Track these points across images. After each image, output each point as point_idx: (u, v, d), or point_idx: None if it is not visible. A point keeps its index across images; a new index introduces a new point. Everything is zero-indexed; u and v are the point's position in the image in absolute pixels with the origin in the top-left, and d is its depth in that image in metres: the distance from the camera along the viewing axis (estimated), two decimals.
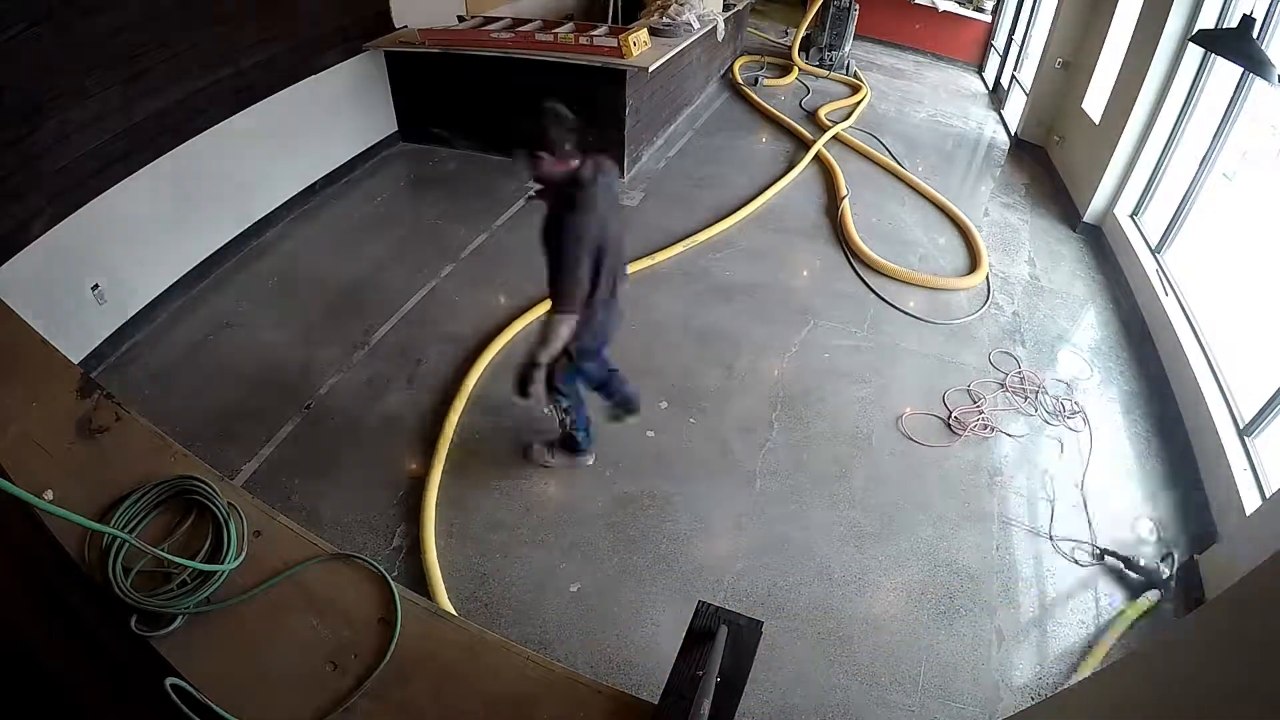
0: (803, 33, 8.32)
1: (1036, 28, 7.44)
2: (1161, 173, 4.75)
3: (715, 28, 6.22)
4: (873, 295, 4.36)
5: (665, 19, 5.71)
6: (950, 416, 3.49)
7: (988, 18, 9.30)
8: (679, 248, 4.61)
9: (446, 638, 1.37)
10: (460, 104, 5.39)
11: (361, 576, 1.45)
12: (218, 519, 1.43)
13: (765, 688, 2.38)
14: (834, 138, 6.42)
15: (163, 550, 1.33)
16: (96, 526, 1.23)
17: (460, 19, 5.67)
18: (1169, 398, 3.70)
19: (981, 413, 3.54)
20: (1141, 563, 2.81)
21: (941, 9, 9.33)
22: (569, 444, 3.02)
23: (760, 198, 5.28)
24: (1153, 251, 4.53)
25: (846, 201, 5.23)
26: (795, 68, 8.13)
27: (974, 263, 4.78)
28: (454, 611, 2.42)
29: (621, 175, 5.39)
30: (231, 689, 1.20)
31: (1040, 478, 3.28)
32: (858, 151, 6.29)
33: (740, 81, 7.64)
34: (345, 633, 1.33)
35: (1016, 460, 3.36)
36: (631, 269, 4.27)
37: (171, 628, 1.27)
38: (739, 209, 5.09)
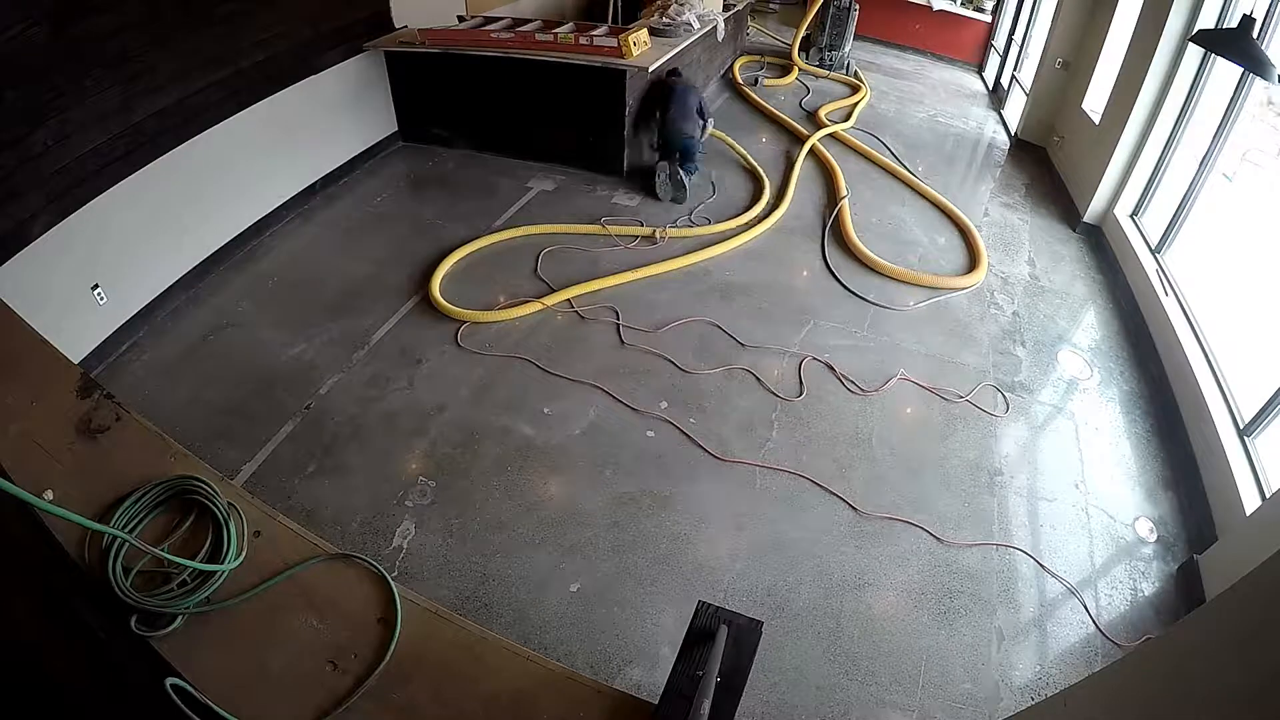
0: (803, 33, 8.32)
1: (1036, 28, 7.44)
2: (1161, 173, 4.75)
3: (715, 28, 6.22)
4: (865, 295, 4.36)
5: (665, 19, 5.71)
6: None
7: (988, 18, 9.30)
8: (689, 260, 4.54)
9: (446, 638, 1.37)
10: (460, 104, 5.40)
11: (361, 576, 1.45)
12: (218, 519, 1.43)
13: (765, 688, 2.38)
14: (834, 138, 6.43)
15: (163, 550, 1.33)
16: (96, 526, 1.23)
17: (460, 19, 5.67)
18: (1169, 398, 3.70)
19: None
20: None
21: (938, 8, 9.33)
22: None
23: (760, 216, 5.26)
24: (1153, 251, 4.53)
25: (845, 201, 5.23)
26: (795, 68, 8.13)
27: (974, 262, 4.78)
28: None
29: (622, 175, 5.40)
30: (231, 689, 1.20)
31: (1040, 478, 3.28)
32: (858, 151, 6.29)
33: (740, 81, 7.64)
34: (345, 633, 1.33)
35: (1016, 460, 3.36)
36: (639, 275, 4.32)
37: (171, 628, 1.27)
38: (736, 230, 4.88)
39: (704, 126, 5.26)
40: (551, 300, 4.01)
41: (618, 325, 3.90)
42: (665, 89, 5.13)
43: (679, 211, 5.06)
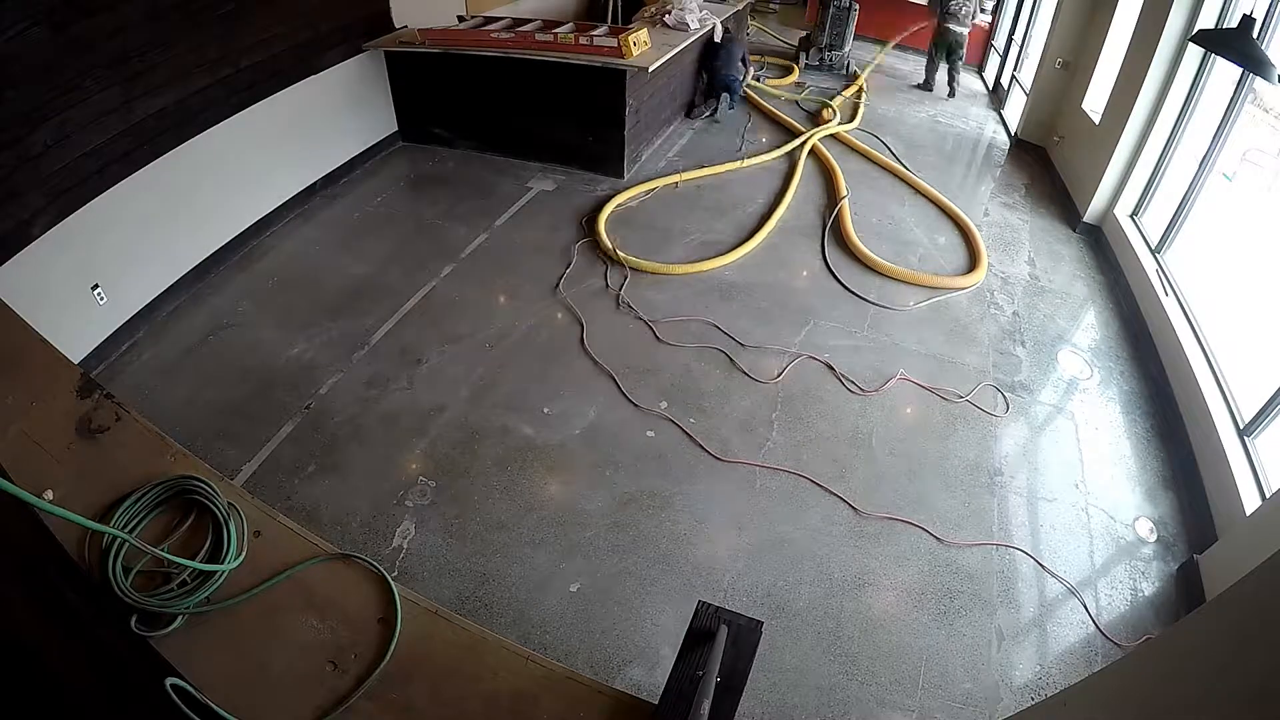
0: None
1: (1036, 28, 7.44)
2: (1161, 173, 4.75)
3: (714, 28, 6.22)
4: (865, 294, 4.36)
5: (665, 19, 5.72)
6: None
7: (988, 18, 9.29)
8: (709, 264, 4.50)
9: (446, 638, 1.37)
10: (460, 104, 5.40)
11: (361, 576, 1.45)
12: (218, 519, 1.43)
13: (765, 688, 2.38)
14: (834, 138, 6.44)
15: (163, 550, 1.33)
16: (96, 526, 1.23)
17: (460, 19, 5.68)
18: (1169, 398, 3.69)
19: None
20: None
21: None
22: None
23: (761, 227, 5.25)
24: (1153, 251, 4.53)
25: (846, 201, 5.23)
26: (795, 67, 8.13)
27: (974, 262, 4.78)
28: None
29: (622, 175, 5.40)
30: (231, 689, 1.20)
31: (1040, 478, 3.28)
32: (858, 151, 6.29)
33: None
34: (345, 633, 1.33)
35: (1016, 460, 3.36)
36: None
37: (171, 628, 1.27)
38: (741, 240, 4.78)
39: (746, 72, 6.78)
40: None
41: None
42: (715, 44, 6.49)
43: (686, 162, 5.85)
